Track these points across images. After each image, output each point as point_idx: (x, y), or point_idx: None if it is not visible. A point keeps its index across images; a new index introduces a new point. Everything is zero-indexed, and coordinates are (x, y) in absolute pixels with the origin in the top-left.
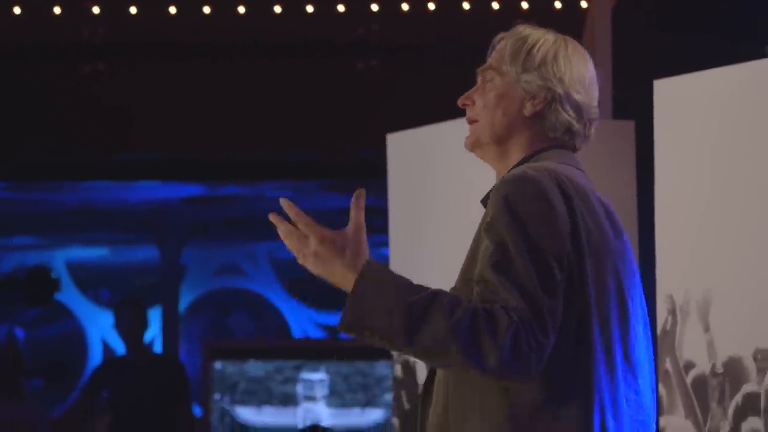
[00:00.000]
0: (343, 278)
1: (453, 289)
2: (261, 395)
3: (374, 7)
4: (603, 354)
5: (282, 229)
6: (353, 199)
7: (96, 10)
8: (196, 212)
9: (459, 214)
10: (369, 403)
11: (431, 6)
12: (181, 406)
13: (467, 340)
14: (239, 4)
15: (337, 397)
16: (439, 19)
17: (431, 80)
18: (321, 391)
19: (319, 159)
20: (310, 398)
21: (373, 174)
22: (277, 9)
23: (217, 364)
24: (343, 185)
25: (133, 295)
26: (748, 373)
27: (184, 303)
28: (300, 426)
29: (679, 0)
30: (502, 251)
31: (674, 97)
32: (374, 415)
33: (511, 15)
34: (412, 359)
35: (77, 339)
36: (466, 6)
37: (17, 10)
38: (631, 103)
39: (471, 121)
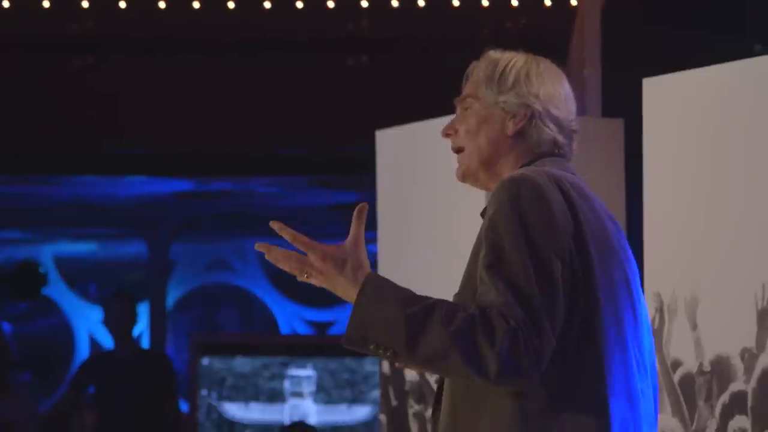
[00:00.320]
0: (346, 292)
1: (457, 293)
2: (248, 391)
3: (364, 3)
4: (617, 348)
5: (275, 255)
6: (355, 213)
7: (85, 4)
8: (185, 208)
9: (447, 211)
10: (356, 399)
11: (421, 2)
12: (168, 401)
13: (467, 350)
14: (229, 0)
15: (324, 394)
16: (428, 16)
17: (421, 77)
18: (308, 388)
19: (308, 155)
20: (298, 395)
21: (362, 170)
22: (267, 4)
23: (205, 360)
24: (332, 181)
25: (123, 289)
26: (736, 372)
27: (172, 298)
28: (287, 423)
29: None
30: (500, 252)
31: (663, 95)
32: (361, 411)
33: (500, 11)
34: None
35: (65, 334)
36: (455, 2)
37: (6, 4)
38: (620, 101)
39: (457, 151)
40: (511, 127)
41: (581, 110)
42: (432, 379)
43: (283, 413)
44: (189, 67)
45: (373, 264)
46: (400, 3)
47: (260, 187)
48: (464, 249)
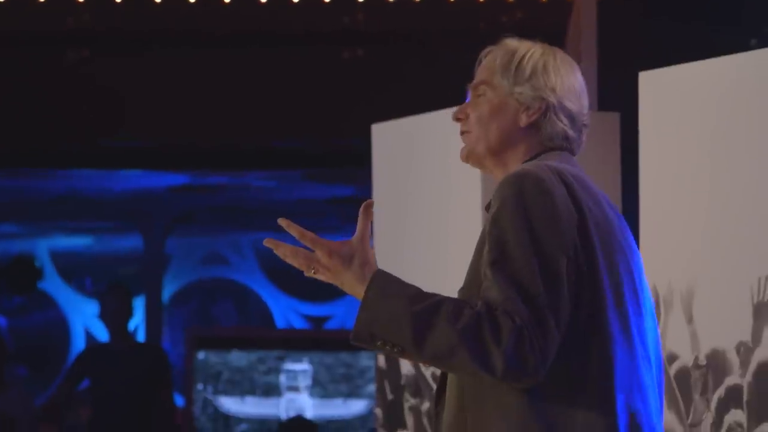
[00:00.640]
0: (353, 288)
1: (461, 288)
2: (244, 385)
3: None
4: (623, 342)
5: (283, 251)
6: (362, 209)
7: None
8: (180, 201)
9: (443, 204)
10: (352, 393)
11: None
12: (163, 394)
13: (473, 348)
14: None
15: (320, 388)
16: (424, 9)
17: (417, 70)
18: (304, 382)
19: (303, 148)
20: (293, 389)
21: (357, 164)
22: None
23: (201, 354)
24: (328, 175)
25: (119, 282)
26: (731, 366)
27: (168, 292)
28: (283, 417)
29: None
30: (504, 248)
31: (659, 88)
32: (357, 405)
33: (496, 5)
34: None
35: (60, 328)
36: None
37: None
38: (616, 95)
39: (463, 133)
40: (524, 119)
41: None
42: (428, 373)
43: (279, 407)
44: (184, 61)
45: None
46: None
47: (256, 180)
48: (460, 243)
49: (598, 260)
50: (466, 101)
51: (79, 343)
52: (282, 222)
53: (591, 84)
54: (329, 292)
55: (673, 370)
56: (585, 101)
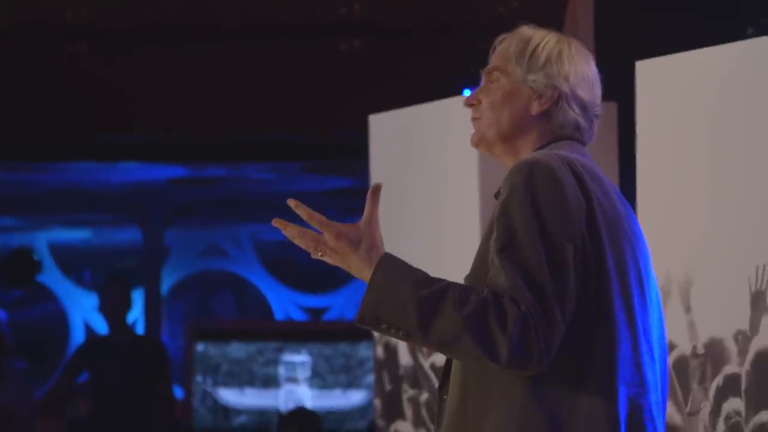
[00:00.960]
0: (360, 272)
1: (467, 275)
2: (243, 377)
3: None
4: (628, 333)
5: (291, 231)
6: (369, 193)
7: None
8: (179, 194)
9: (441, 195)
10: (351, 384)
11: None
12: (162, 387)
13: (478, 334)
14: None
15: (319, 379)
16: (421, 0)
17: (413, 61)
18: (303, 373)
19: (301, 140)
20: (292, 380)
21: (355, 155)
22: None
23: (200, 346)
24: (326, 166)
25: (118, 274)
26: (729, 354)
27: (167, 285)
28: (282, 408)
29: None
30: (512, 235)
31: (656, 78)
32: (356, 396)
33: None
34: (393, 341)
35: (59, 321)
36: None
37: None
38: (613, 85)
39: (475, 120)
40: (536, 107)
41: None
42: (426, 364)
43: (278, 399)
44: (182, 54)
45: None
46: None
47: (254, 173)
48: (456, 233)
49: (605, 251)
50: (479, 87)
51: (78, 336)
52: (291, 202)
53: None
54: (328, 284)
55: (671, 359)
56: (598, 91)
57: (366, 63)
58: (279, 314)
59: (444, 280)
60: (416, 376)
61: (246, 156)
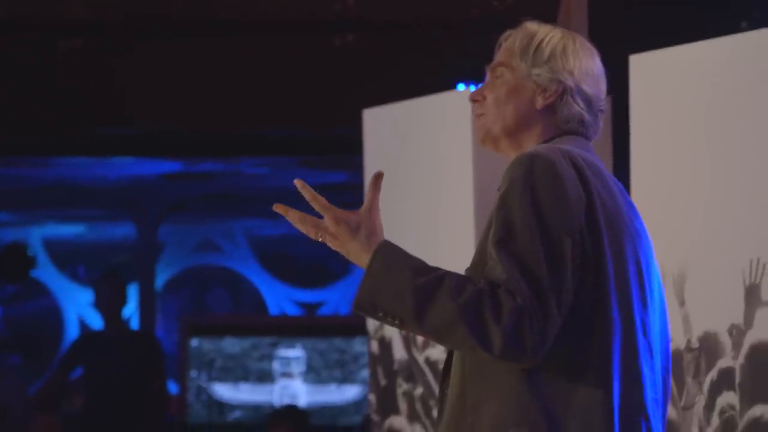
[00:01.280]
0: (358, 258)
1: (468, 268)
2: (237, 372)
3: None
4: (624, 329)
5: (293, 216)
6: (371, 180)
7: None
8: (173, 189)
9: (435, 189)
10: (345, 379)
11: None
12: (156, 382)
13: (473, 324)
14: None
15: (313, 374)
16: None
17: (408, 56)
18: (297, 368)
19: (296, 135)
20: (287, 375)
21: (349, 150)
22: None
23: (194, 341)
24: (320, 161)
25: (113, 269)
26: (724, 348)
27: (161, 280)
28: (276, 403)
29: None
30: (510, 228)
31: (650, 71)
32: (351, 391)
33: None
34: (387, 335)
35: (54, 316)
36: None
37: None
38: (607, 78)
39: (479, 116)
40: (540, 101)
41: None
42: (421, 358)
43: (273, 394)
44: (177, 49)
45: None
46: None
47: (249, 168)
48: (451, 227)
49: (604, 245)
50: (484, 82)
51: (72, 331)
52: (297, 183)
53: None
54: (322, 279)
55: None
56: (603, 86)
57: (360, 57)
58: (273, 309)
59: (441, 269)
60: (411, 371)
61: (241, 151)
